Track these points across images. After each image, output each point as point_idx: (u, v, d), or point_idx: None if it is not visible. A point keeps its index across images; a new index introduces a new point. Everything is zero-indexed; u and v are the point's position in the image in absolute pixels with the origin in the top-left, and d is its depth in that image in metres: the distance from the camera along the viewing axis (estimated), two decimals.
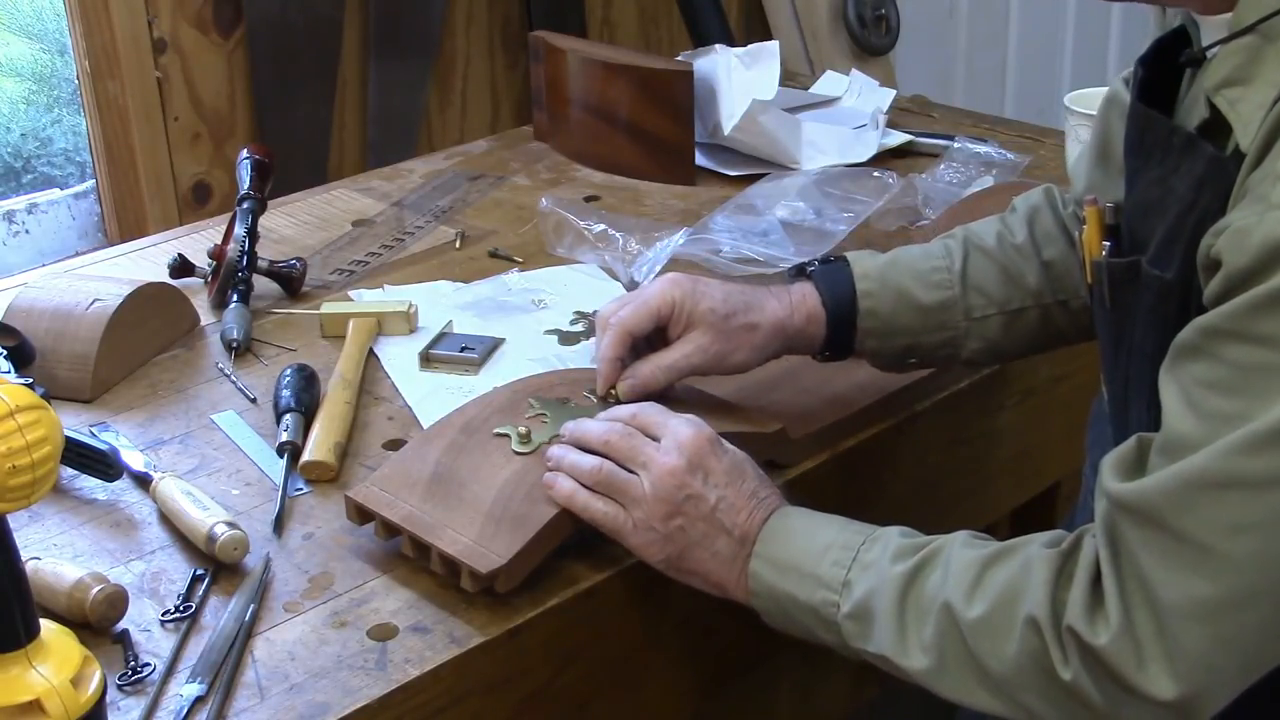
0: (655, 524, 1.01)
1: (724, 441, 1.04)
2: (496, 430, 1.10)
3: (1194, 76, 0.96)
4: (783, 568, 0.99)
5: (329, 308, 1.42)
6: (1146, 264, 0.94)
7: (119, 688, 0.93)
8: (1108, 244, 1.00)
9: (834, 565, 0.97)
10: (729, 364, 1.14)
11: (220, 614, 1.00)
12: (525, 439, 1.08)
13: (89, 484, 1.16)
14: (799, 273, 1.21)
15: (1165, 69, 0.98)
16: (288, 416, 1.20)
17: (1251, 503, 0.81)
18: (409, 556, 1.04)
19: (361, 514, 1.07)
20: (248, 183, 1.51)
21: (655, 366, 1.13)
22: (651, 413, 1.06)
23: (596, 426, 1.06)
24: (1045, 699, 0.88)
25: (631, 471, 1.03)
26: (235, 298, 1.42)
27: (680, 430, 1.03)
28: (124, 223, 2.06)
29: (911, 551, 0.95)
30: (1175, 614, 0.82)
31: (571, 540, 1.05)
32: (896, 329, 1.18)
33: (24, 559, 0.87)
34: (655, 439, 1.04)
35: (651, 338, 1.15)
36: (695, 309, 1.12)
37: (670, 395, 1.16)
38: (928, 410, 1.28)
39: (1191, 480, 0.82)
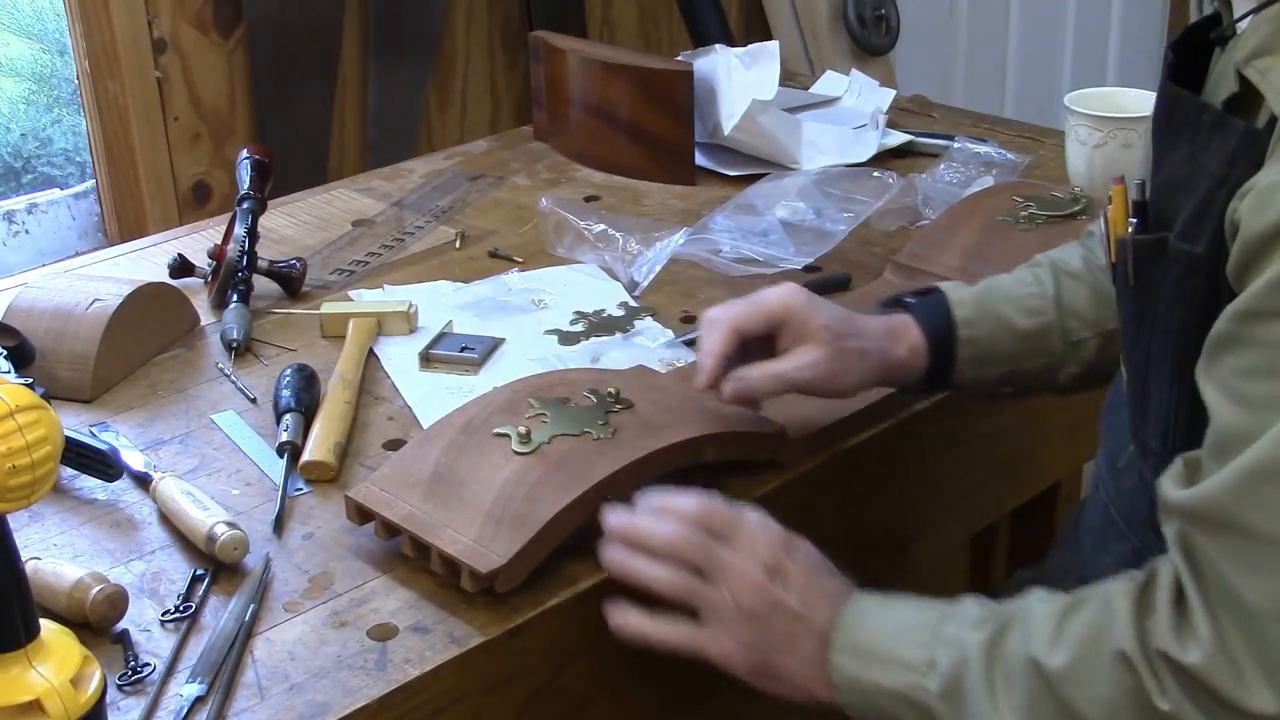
0: (739, 635, 0.98)
1: (793, 536, 1.01)
2: (496, 430, 1.10)
3: (1221, 56, 0.95)
4: (864, 656, 0.95)
5: (329, 308, 1.42)
6: (1174, 239, 0.92)
7: (119, 688, 0.93)
8: (1134, 221, 0.98)
9: (916, 646, 0.94)
10: (837, 385, 1.12)
11: (220, 614, 1.00)
12: (525, 439, 1.08)
13: (89, 484, 1.16)
14: (893, 304, 1.21)
15: (1196, 53, 0.97)
16: (288, 416, 1.20)
17: None
18: (409, 556, 1.04)
19: (361, 514, 1.07)
20: (248, 183, 1.51)
21: (765, 373, 1.10)
22: (719, 513, 1.00)
23: (662, 528, 1.00)
24: None
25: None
26: (235, 298, 1.42)
27: (755, 534, 0.99)
28: (124, 223, 2.06)
29: (990, 618, 0.92)
30: (1264, 618, 0.79)
31: (571, 540, 1.05)
32: (996, 356, 1.17)
33: (24, 559, 0.87)
34: (722, 537, 1.00)
35: (750, 346, 1.12)
36: (810, 323, 1.10)
37: (670, 395, 1.16)
38: (928, 410, 1.27)
39: (1254, 472, 0.79)
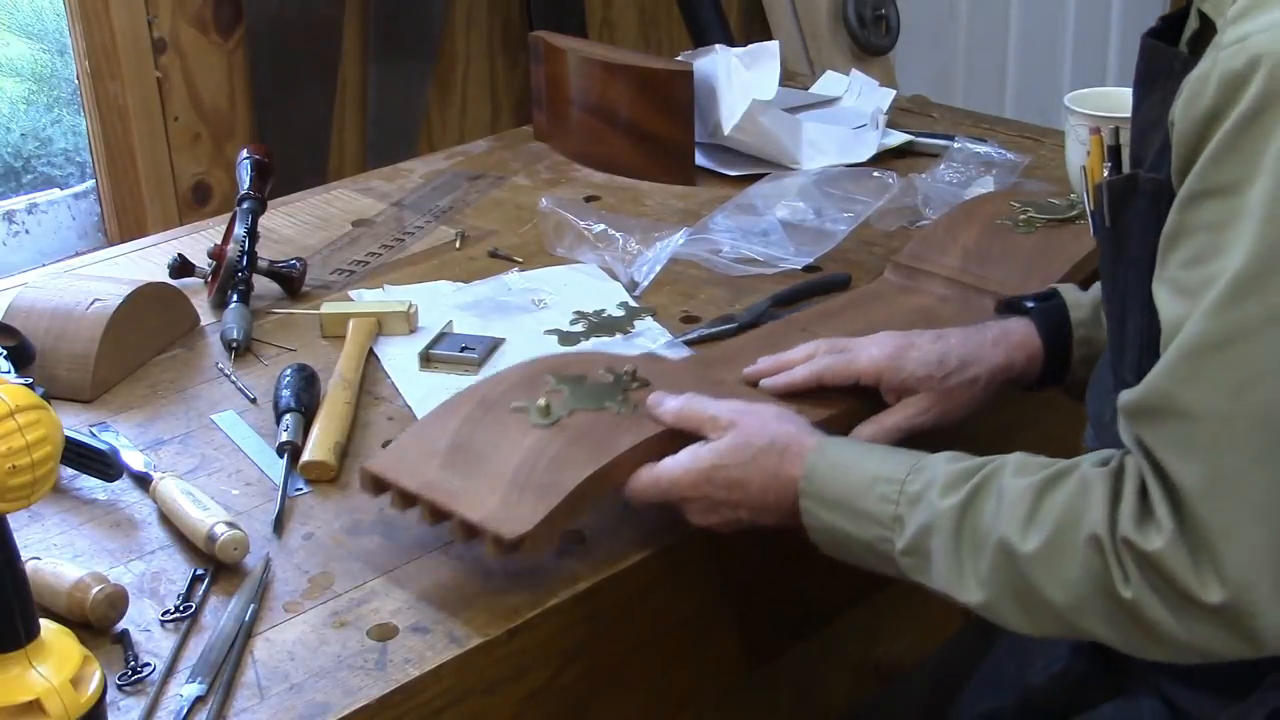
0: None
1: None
2: (514, 404, 1.09)
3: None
4: (831, 504, 0.99)
5: (329, 308, 1.42)
6: (1143, 173, 0.94)
7: (119, 688, 0.93)
8: (1108, 165, 1.00)
9: (881, 500, 0.97)
10: (952, 420, 1.17)
11: (220, 614, 1.00)
12: (545, 412, 1.07)
13: (89, 484, 1.16)
14: (1010, 308, 1.24)
15: (1178, 15, 1.00)
16: (288, 416, 1.20)
17: (1255, 351, 0.81)
18: (426, 524, 1.03)
19: (376, 484, 1.05)
20: (248, 183, 1.51)
21: (878, 428, 1.15)
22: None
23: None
24: (1108, 622, 0.87)
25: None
26: (235, 298, 1.42)
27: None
28: (124, 223, 2.06)
29: (962, 480, 0.95)
30: (1205, 497, 0.82)
31: (572, 540, 1.05)
32: None
33: (24, 559, 0.87)
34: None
35: None
36: (909, 376, 1.15)
37: (684, 377, 1.16)
38: None
39: (1189, 350, 0.82)
